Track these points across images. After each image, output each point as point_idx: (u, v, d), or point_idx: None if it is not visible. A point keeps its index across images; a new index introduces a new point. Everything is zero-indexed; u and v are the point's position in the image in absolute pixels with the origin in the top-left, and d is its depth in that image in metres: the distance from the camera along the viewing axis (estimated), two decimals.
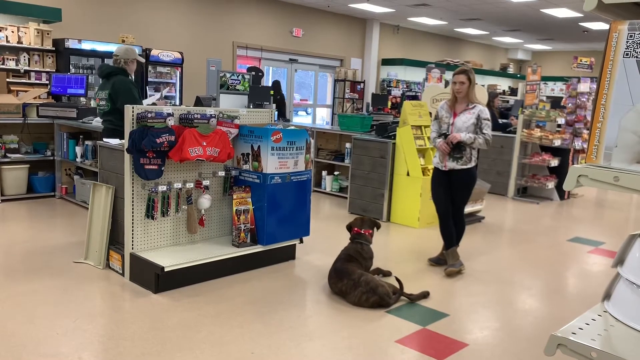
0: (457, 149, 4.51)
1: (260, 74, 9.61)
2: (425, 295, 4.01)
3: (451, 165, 4.56)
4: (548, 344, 1.20)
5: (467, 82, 4.49)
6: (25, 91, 7.58)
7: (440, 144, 4.56)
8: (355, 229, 4.32)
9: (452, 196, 4.67)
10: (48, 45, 8.56)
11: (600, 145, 1.16)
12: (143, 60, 5.45)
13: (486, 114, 4.51)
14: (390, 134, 6.53)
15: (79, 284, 3.97)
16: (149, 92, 9.66)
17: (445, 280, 4.49)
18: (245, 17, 11.98)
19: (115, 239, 4.29)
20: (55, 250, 4.70)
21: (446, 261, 4.73)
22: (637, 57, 1.10)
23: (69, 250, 4.69)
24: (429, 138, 4.98)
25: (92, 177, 6.26)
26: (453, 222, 4.70)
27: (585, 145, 8.61)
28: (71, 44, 8.65)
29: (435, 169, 4.73)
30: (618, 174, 1.11)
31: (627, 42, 1.11)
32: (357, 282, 3.81)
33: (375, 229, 4.40)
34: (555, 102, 9.51)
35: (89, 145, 6.25)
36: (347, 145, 7.51)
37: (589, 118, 8.72)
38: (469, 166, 4.56)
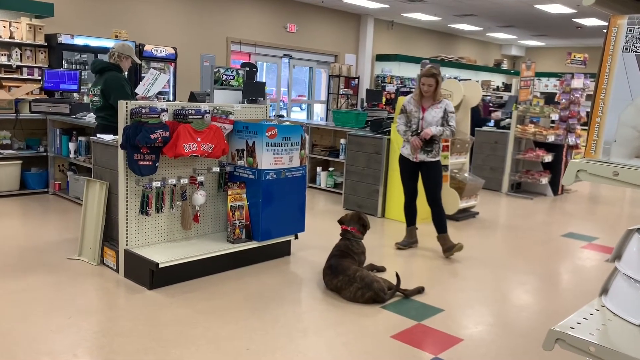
0: (428, 142, 4.85)
1: (254, 69, 9.57)
2: (420, 290, 4.02)
3: (422, 157, 4.91)
4: (546, 339, 1.20)
5: (434, 84, 4.82)
6: (18, 87, 7.52)
7: (413, 140, 4.85)
8: (343, 226, 4.34)
9: (425, 188, 5.02)
10: (40, 41, 8.48)
11: (599, 140, 1.15)
12: (139, 61, 5.42)
13: (451, 107, 4.88)
14: (385, 130, 6.53)
15: (73, 280, 3.95)
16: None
17: (440, 275, 4.50)
18: (239, 13, 11.93)
19: (110, 235, 4.27)
20: (48, 247, 4.67)
21: (411, 244, 5.21)
22: (636, 51, 1.10)
23: (62, 247, 4.67)
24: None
25: (86, 173, 6.23)
26: (432, 212, 5.03)
27: (578, 141, 8.66)
28: (64, 39, 8.58)
29: (404, 159, 5.04)
30: (617, 169, 1.11)
31: (626, 36, 1.11)
32: (352, 277, 3.82)
33: (362, 227, 4.33)
34: (549, 98, 9.54)
35: (82, 141, 6.22)
36: (342, 141, 7.51)
37: (582, 114, 8.75)
38: (437, 158, 4.96)
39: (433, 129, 4.76)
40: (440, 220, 4.98)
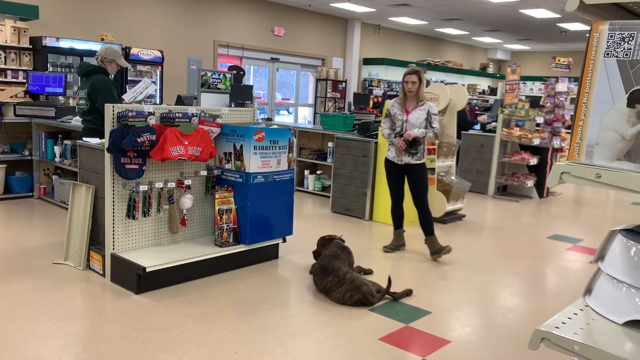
0: (412, 144, 4.88)
1: (241, 72, 9.56)
2: (408, 293, 4.04)
3: (407, 159, 4.93)
4: (532, 339, 1.22)
5: (418, 81, 4.87)
6: (2, 90, 7.44)
7: (397, 141, 4.89)
8: (327, 237, 4.50)
9: (411, 191, 5.04)
10: (25, 44, 8.40)
11: (582, 143, 1.18)
12: (127, 65, 5.38)
13: (435, 109, 4.94)
14: (373, 133, 6.56)
15: (59, 285, 3.91)
16: (128, 89, 9.54)
17: (428, 278, 4.53)
18: (226, 16, 11.92)
19: (96, 240, 4.24)
20: (34, 252, 4.62)
21: (399, 247, 5.24)
22: (617, 56, 1.13)
23: (48, 251, 4.63)
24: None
25: (71, 177, 6.18)
26: (419, 215, 5.04)
27: (563, 144, 8.76)
28: (49, 42, 8.51)
29: (389, 162, 5.08)
30: (600, 171, 1.13)
31: (607, 42, 1.13)
32: (342, 279, 3.83)
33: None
34: (534, 102, 9.64)
35: (68, 145, 6.17)
36: (330, 144, 7.53)
37: (567, 117, 8.86)
38: (422, 161, 5.00)
39: (416, 130, 4.81)
40: (427, 222, 5.01)
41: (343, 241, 4.49)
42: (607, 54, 1.14)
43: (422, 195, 5.01)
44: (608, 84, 1.13)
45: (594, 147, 1.15)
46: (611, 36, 1.13)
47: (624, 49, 1.12)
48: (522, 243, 5.86)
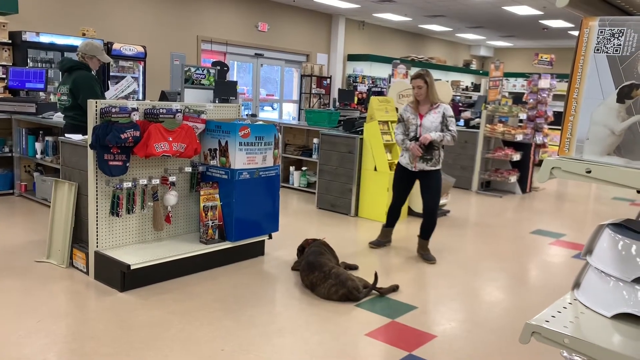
0: (428, 150, 4.65)
1: (225, 68, 9.51)
2: (394, 288, 4.05)
3: (421, 166, 4.71)
4: (523, 332, 1.23)
5: (424, 85, 4.67)
6: None
7: (412, 146, 4.66)
8: (308, 241, 4.49)
9: (423, 197, 4.84)
10: (4, 38, 8.25)
11: (572, 138, 1.18)
12: (109, 60, 5.28)
13: (450, 111, 4.70)
14: (358, 130, 6.57)
15: (42, 283, 3.86)
16: (110, 87, 9.43)
17: (414, 274, 4.55)
18: (209, 11, 11.83)
19: (79, 237, 4.19)
20: (15, 250, 4.55)
21: (385, 243, 5.19)
22: (607, 52, 1.14)
23: (30, 249, 4.56)
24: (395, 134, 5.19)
25: (53, 174, 6.09)
26: (425, 220, 4.91)
27: (546, 140, 8.85)
28: (29, 36, 8.36)
29: (401, 167, 4.87)
30: (590, 166, 1.14)
31: (597, 37, 1.14)
32: (327, 274, 3.84)
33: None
34: (517, 98, 9.74)
35: (49, 141, 6.07)
36: (315, 140, 7.51)
37: (549, 113, 8.96)
38: (437, 167, 4.74)
39: (432, 134, 4.57)
40: (429, 228, 4.87)
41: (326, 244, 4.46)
42: (597, 49, 1.14)
43: (435, 202, 4.82)
44: (598, 80, 1.14)
45: (584, 142, 1.16)
46: (601, 32, 1.13)
47: (614, 44, 1.12)
48: (506, 238, 5.92)
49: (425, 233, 4.91)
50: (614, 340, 1.21)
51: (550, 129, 9.29)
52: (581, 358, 1.42)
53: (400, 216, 5.17)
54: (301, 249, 4.48)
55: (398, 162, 4.92)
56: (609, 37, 1.13)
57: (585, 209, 8.03)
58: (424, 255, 4.91)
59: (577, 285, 1.43)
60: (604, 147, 1.13)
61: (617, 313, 1.31)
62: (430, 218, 4.86)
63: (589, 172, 1.12)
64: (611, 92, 1.14)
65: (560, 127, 1.20)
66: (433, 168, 4.72)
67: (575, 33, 15.11)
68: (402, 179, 4.90)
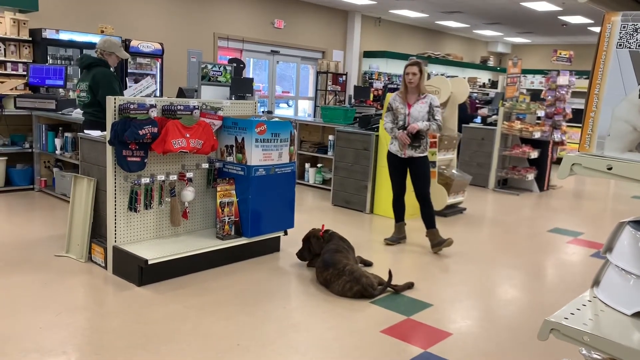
0: (416, 138, 4.87)
1: (241, 65, 9.53)
2: (409, 286, 4.04)
3: (410, 153, 4.93)
4: (541, 329, 1.22)
5: (418, 73, 4.86)
6: (2, 82, 7.41)
7: (400, 134, 4.87)
8: (320, 233, 4.44)
9: (414, 184, 5.05)
10: (25, 36, 8.37)
11: (593, 134, 1.17)
12: (127, 56, 5.35)
13: (437, 102, 4.94)
14: (373, 126, 6.55)
15: (61, 277, 3.92)
16: (129, 84, 9.52)
17: (429, 271, 4.53)
18: (226, 8, 11.87)
19: (98, 232, 4.24)
20: (35, 244, 4.62)
21: (400, 240, 5.25)
22: (629, 47, 1.12)
23: (49, 244, 4.62)
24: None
25: (72, 170, 6.17)
26: (421, 208, 5.05)
27: (564, 137, 8.74)
28: (48, 34, 8.47)
29: (392, 155, 5.07)
30: (611, 162, 1.13)
31: (620, 33, 1.13)
32: (341, 271, 3.84)
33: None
34: (535, 95, 9.62)
35: (68, 137, 6.15)
36: (330, 137, 7.51)
37: (568, 111, 8.84)
38: (425, 154, 5.00)
39: (419, 123, 4.80)
40: (429, 215, 5.01)
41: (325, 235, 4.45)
42: (620, 45, 1.13)
43: (425, 188, 5.01)
44: (620, 76, 1.13)
45: (605, 138, 1.15)
46: (624, 27, 1.12)
47: (637, 40, 1.11)
48: (523, 236, 5.87)
49: (429, 221, 5.02)
50: (635, 338, 1.20)
51: (568, 126, 9.18)
52: (600, 356, 1.41)
53: (405, 208, 5.25)
54: (306, 239, 4.47)
55: (388, 151, 5.10)
56: (631, 33, 1.11)
57: (604, 207, 7.93)
58: (439, 241, 4.96)
59: (596, 282, 1.42)
60: (626, 144, 1.12)
61: (637, 311, 1.30)
62: (425, 204, 5.03)
63: (610, 168, 1.11)
64: (634, 88, 1.13)
65: (579, 125, 1.19)
66: (421, 155, 4.96)
67: (595, 29, 14.90)
68: (396, 167, 5.08)
